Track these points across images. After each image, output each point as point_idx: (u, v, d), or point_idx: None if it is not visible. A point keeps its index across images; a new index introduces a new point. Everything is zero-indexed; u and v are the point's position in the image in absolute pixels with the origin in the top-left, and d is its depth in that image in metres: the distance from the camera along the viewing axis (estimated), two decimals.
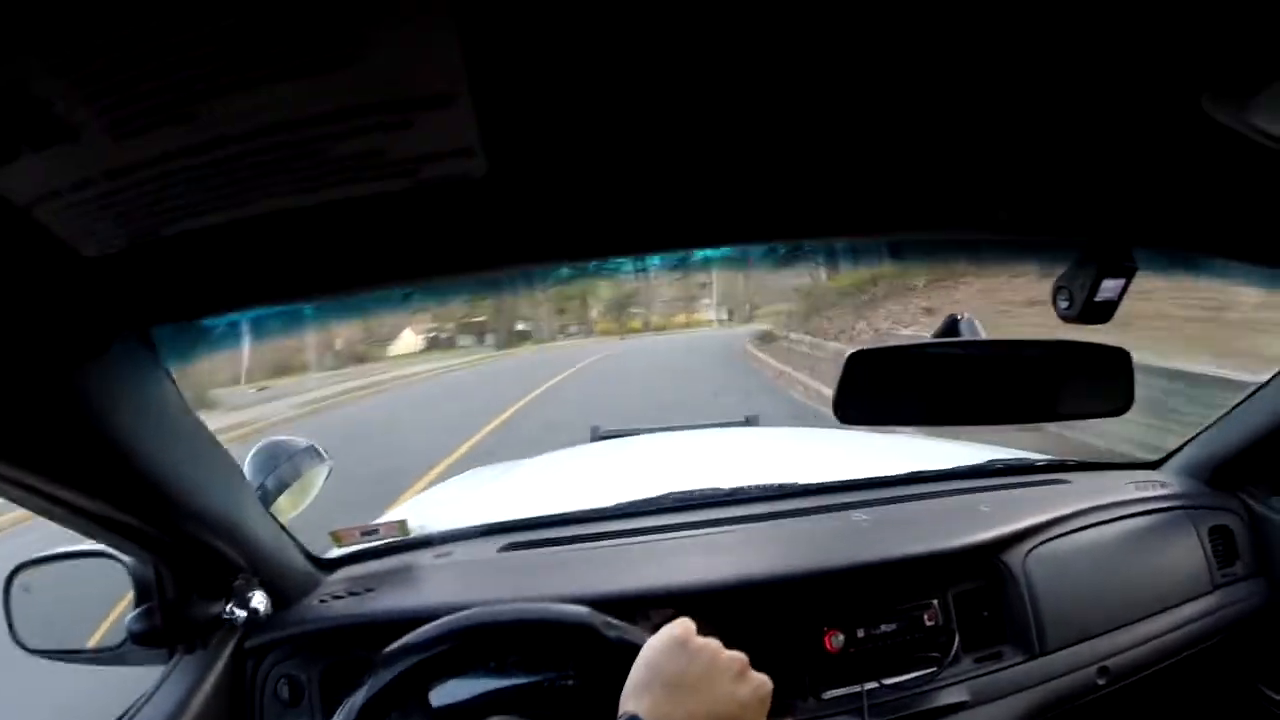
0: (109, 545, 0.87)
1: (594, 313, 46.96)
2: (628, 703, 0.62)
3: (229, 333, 0.69)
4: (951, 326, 0.86)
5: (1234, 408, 1.36)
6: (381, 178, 0.45)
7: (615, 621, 0.80)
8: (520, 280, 0.72)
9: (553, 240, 0.58)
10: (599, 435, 2.32)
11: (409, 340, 39.08)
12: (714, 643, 0.66)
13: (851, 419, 0.84)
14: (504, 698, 0.97)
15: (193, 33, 0.33)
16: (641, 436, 2.25)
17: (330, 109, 0.39)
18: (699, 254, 0.70)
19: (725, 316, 44.44)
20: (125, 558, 0.91)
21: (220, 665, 0.96)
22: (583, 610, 0.82)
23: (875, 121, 0.48)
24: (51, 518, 0.71)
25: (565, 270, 0.69)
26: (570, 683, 0.96)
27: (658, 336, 35.96)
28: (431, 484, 4.06)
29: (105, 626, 1.00)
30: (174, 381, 0.73)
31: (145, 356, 0.68)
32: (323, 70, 0.36)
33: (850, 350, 0.84)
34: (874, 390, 0.84)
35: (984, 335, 0.86)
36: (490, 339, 43.76)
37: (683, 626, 0.67)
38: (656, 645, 0.66)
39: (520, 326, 45.62)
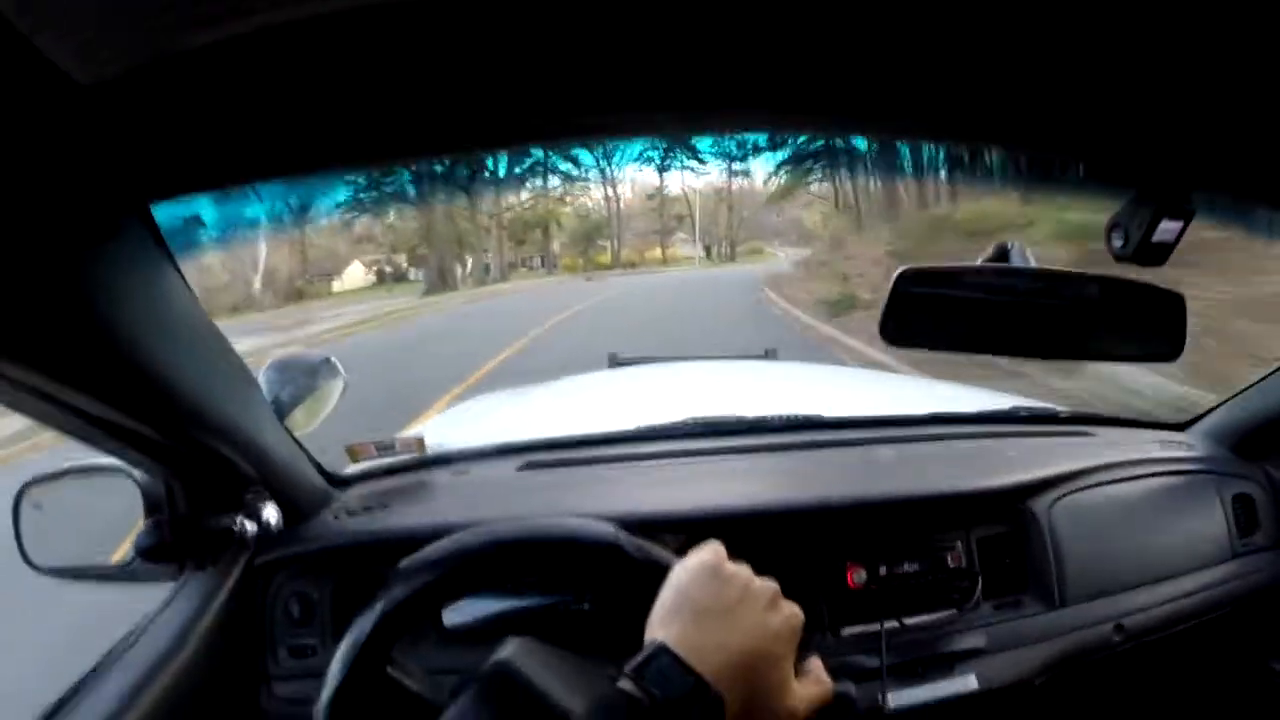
0: (117, 457, 0.84)
1: (556, 245, 41.71)
2: (655, 629, 0.59)
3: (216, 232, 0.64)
4: (1002, 253, 0.84)
5: (1266, 376, 1.35)
6: None
7: (642, 541, 0.78)
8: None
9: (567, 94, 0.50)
10: (616, 361, 2.30)
11: (356, 275, 35.01)
12: (745, 570, 0.64)
13: (896, 340, 0.83)
14: (518, 619, 0.97)
15: None
16: (660, 364, 2.25)
17: None
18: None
19: (703, 254, 40.58)
20: (135, 471, 0.90)
21: (230, 581, 0.96)
22: (608, 527, 0.79)
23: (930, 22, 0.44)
24: (57, 426, 0.70)
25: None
26: (586, 607, 0.96)
27: (632, 278, 29.86)
28: None
29: (126, 546, 0.97)
30: (182, 275, 0.69)
31: (151, 242, 0.64)
32: None
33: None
34: (919, 312, 0.82)
35: (1034, 264, 0.83)
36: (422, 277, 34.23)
37: (714, 551, 0.65)
38: (687, 569, 0.64)
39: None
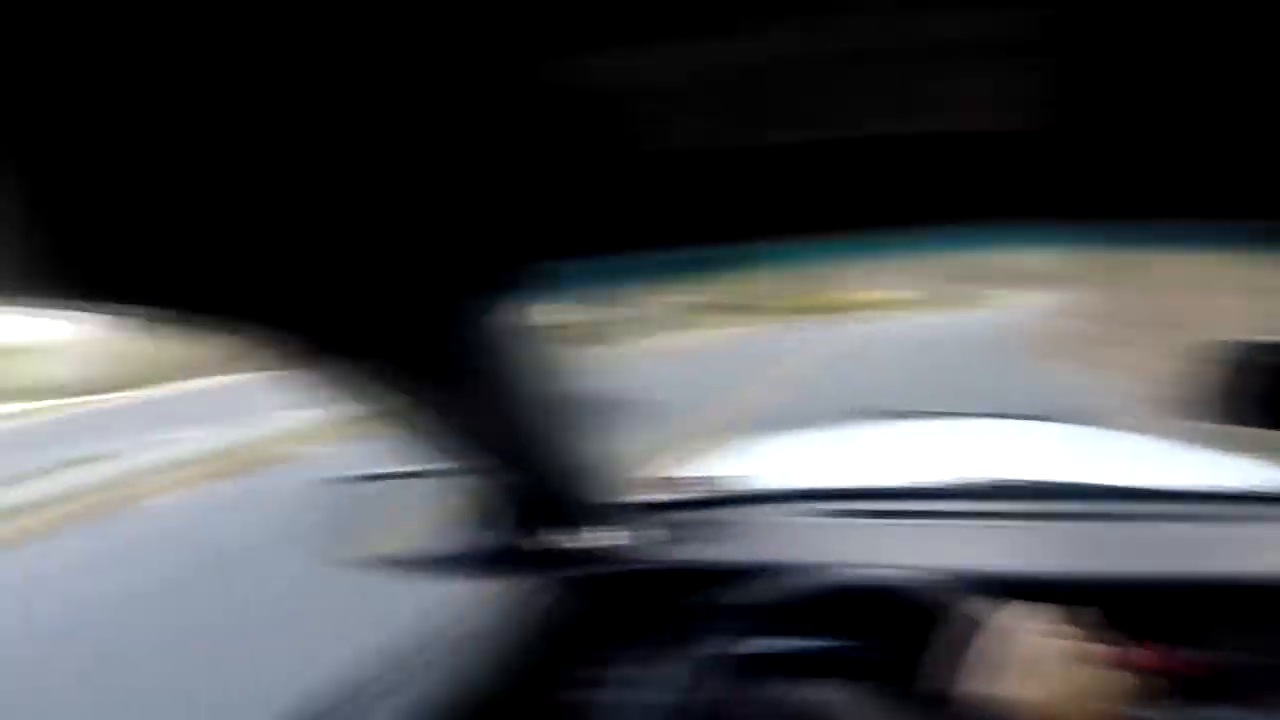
0: (461, 465, 0.92)
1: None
2: (983, 682, 0.66)
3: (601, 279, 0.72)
4: None
5: None
6: (941, 119, 0.47)
7: (977, 601, 0.82)
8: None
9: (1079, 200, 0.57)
10: (892, 413, 2.30)
11: None
12: (1077, 633, 0.71)
13: (1218, 419, 0.78)
14: (808, 659, 0.98)
15: None
16: (945, 419, 2.25)
17: (934, 41, 0.40)
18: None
19: (918, 295, 36.10)
20: (472, 480, 0.97)
21: (544, 592, 1.05)
22: (948, 583, 0.86)
23: None
24: (411, 431, 0.78)
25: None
26: (869, 655, 0.96)
27: (841, 331, 21.64)
28: None
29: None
30: (556, 313, 0.81)
31: (547, 285, 0.71)
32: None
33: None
34: (1245, 388, 0.76)
35: None
36: None
37: (1050, 613, 0.73)
38: (1020, 627, 0.70)
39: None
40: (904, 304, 33.82)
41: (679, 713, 0.82)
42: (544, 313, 0.79)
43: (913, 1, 0.37)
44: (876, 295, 35.08)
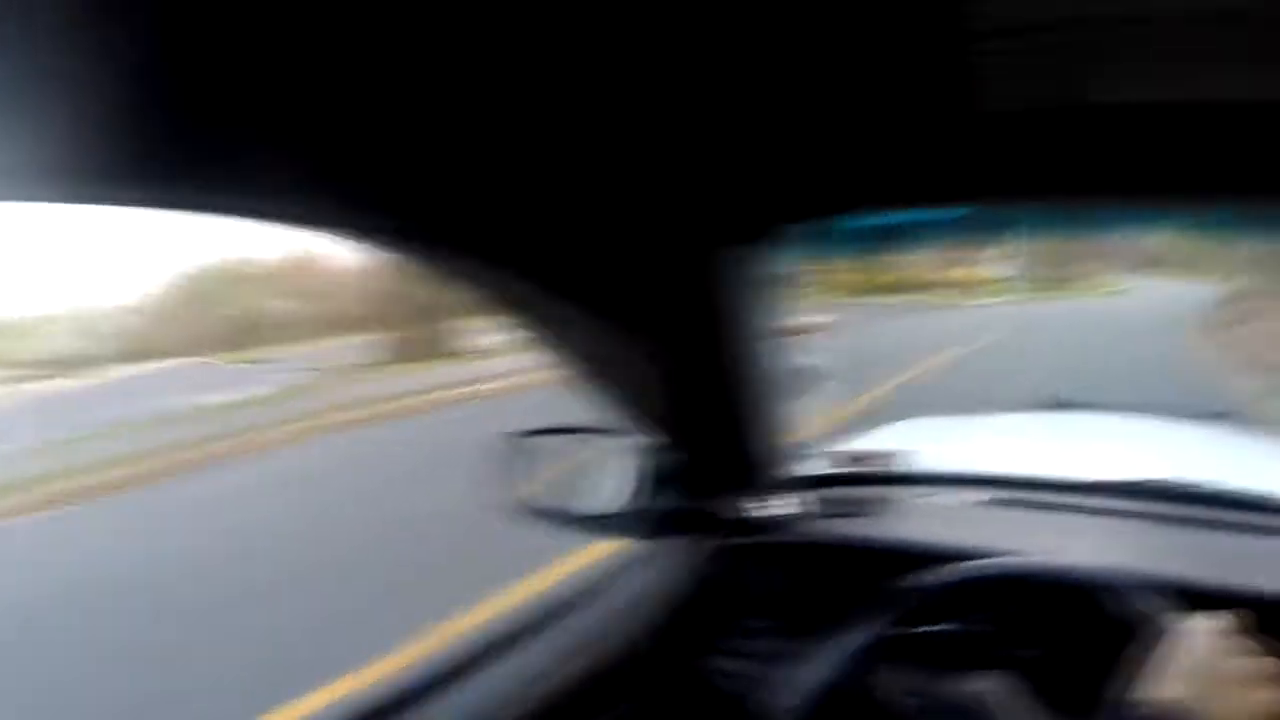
0: (644, 426, 0.95)
1: None
2: (1163, 688, 0.64)
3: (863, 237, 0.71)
4: None
5: None
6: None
7: (1154, 599, 0.81)
8: None
9: None
10: (1060, 403, 2.30)
11: None
12: (1255, 646, 0.68)
13: None
14: (965, 647, 0.98)
15: None
16: (1110, 414, 2.21)
17: None
18: None
19: (1018, 276, 30.53)
20: (648, 441, 0.99)
21: (702, 556, 1.07)
22: (1126, 578, 0.84)
23: None
24: (610, 385, 0.81)
25: None
26: (1028, 651, 0.96)
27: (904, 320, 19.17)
28: None
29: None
30: (787, 279, 0.83)
31: (787, 248, 0.74)
32: None
33: None
34: None
35: None
36: None
37: (1230, 621, 0.70)
38: (1201, 635, 0.68)
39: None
40: (1007, 287, 29.23)
41: (827, 691, 0.81)
42: (780, 273, 0.81)
43: None
44: (981, 274, 30.97)
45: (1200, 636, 0.68)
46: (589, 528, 1.11)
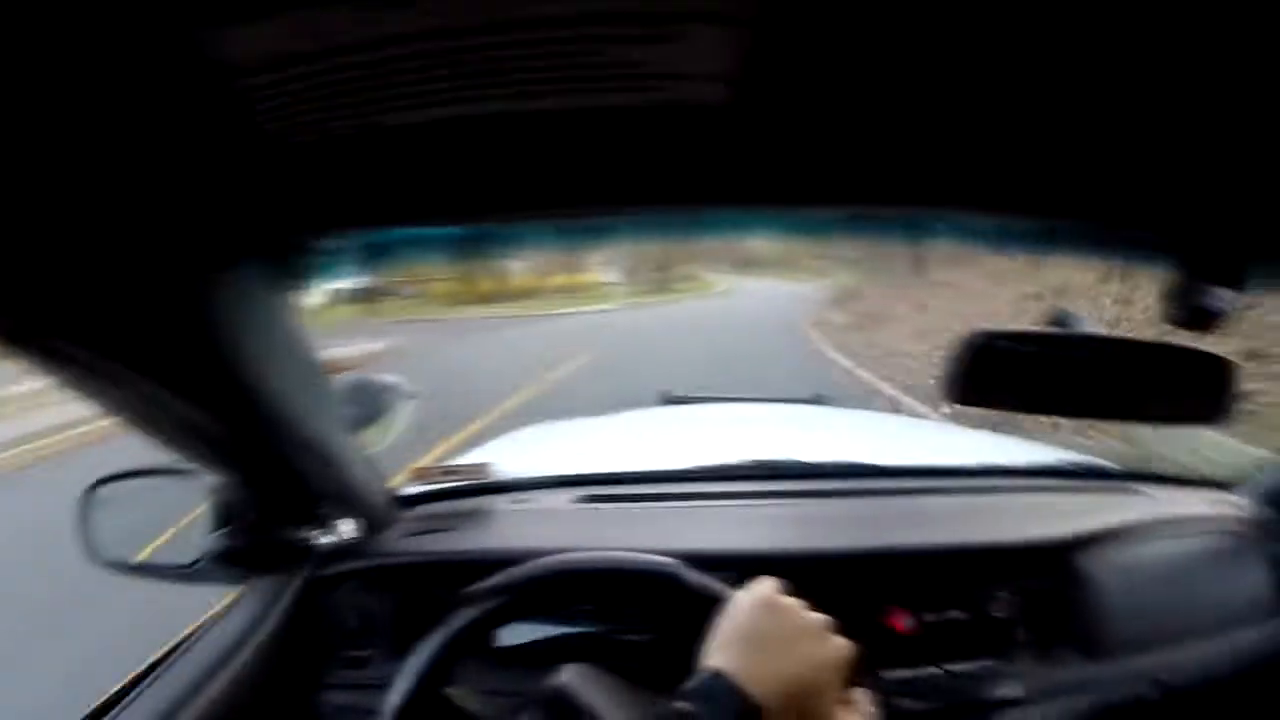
0: (200, 463, 0.90)
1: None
2: (711, 657, 0.64)
3: (360, 257, 0.69)
4: (1062, 319, 0.91)
5: None
6: (631, 90, 0.45)
7: (700, 574, 0.85)
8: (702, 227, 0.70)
9: (774, 183, 0.57)
10: (671, 399, 2.40)
11: None
12: (798, 603, 0.69)
13: (965, 399, 0.86)
14: (572, 644, 1.02)
15: None
16: (714, 404, 2.35)
17: (602, 9, 0.38)
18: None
19: (623, 280, 31.69)
20: (211, 476, 0.95)
21: (294, 591, 1.02)
22: (669, 560, 0.87)
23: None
24: (152, 429, 0.75)
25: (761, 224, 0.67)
26: (638, 637, 1.01)
27: (499, 332, 16.92)
28: None
29: (155, 546, 1.06)
30: (294, 302, 0.78)
31: (273, 273, 0.71)
32: None
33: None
34: (992, 374, 0.85)
35: (1087, 329, 0.90)
36: None
37: (769, 584, 0.71)
38: (744, 601, 0.69)
39: None
40: (606, 292, 29.36)
41: (406, 708, 0.79)
42: (304, 295, 0.77)
43: None
44: (592, 279, 31.05)
45: (745, 603, 0.68)
46: (170, 576, 1.03)
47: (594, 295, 27.77)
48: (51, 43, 0.36)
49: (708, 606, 0.70)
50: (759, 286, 28.81)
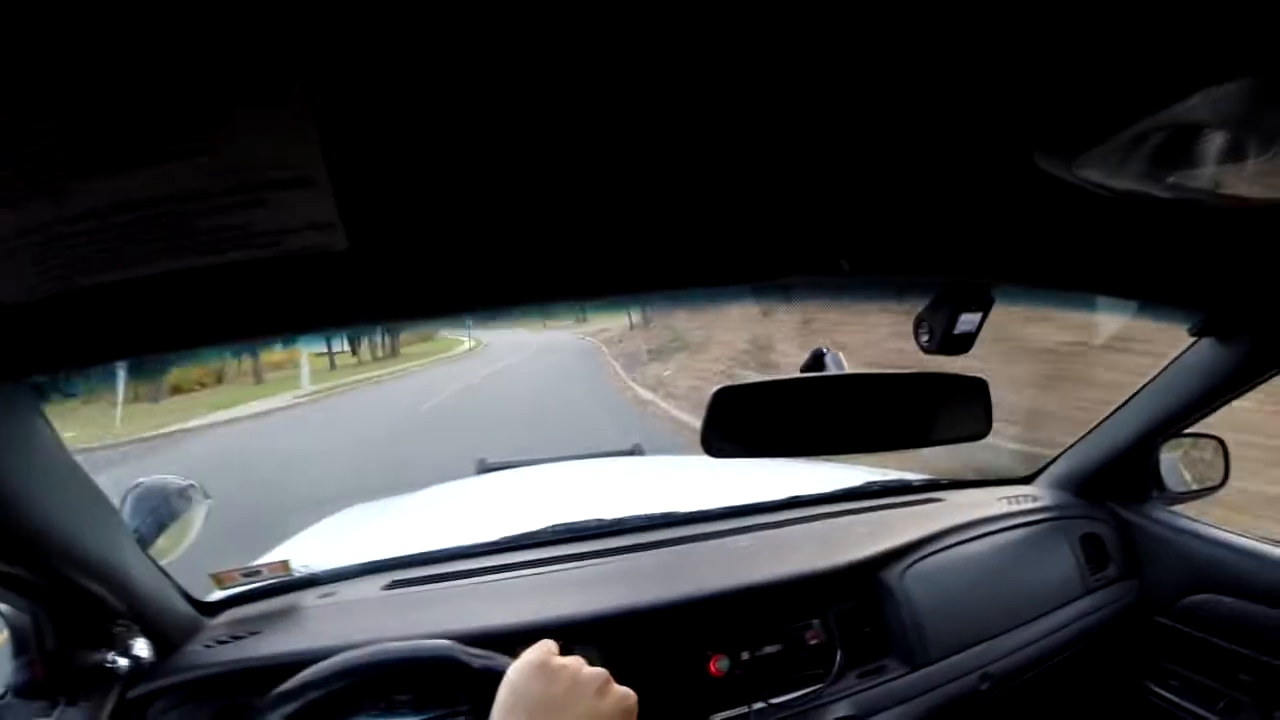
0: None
1: None
2: None
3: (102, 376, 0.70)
4: (818, 359, 0.93)
5: (1099, 423, 1.50)
6: (246, 248, 0.48)
7: (478, 651, 0.87)
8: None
9: (409, 302, 0.62)
10: (485, 468, 2.39)
11: None
12: (574, 661, 0.71)
13: (718, 452, 0.86)
14: None
15: (54, 120, 0.35)
16: (526, 469, 2.34)
17: (192, 189, 0.41)
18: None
19: (334, 348, 27.57)
20: (1, 607, 0.90)
21: (104, 716, 0.97)
22: (444, 643, 0.89)
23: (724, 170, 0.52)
24: None
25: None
26: (462, 718, 1.01)
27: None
28: None
29: None
30: (49, 423, 0.76)
31: (22, 399, 0.71)
32: (182, 156, 0.39)
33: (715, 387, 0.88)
34: (741, 425, 0.87)
35: (847, 368, 0.93)
36: None
37: (542, 648, 0.72)
38: (518, 669, 0.70)
39: None
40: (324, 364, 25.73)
41: None
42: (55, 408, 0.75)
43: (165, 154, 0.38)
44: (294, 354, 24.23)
45: (519, 670, 0.69)
46: None
47: (300, 372, 21.93)
48: None
49: (493, 679, 0.71)
50: (529, 339, 27.36)
